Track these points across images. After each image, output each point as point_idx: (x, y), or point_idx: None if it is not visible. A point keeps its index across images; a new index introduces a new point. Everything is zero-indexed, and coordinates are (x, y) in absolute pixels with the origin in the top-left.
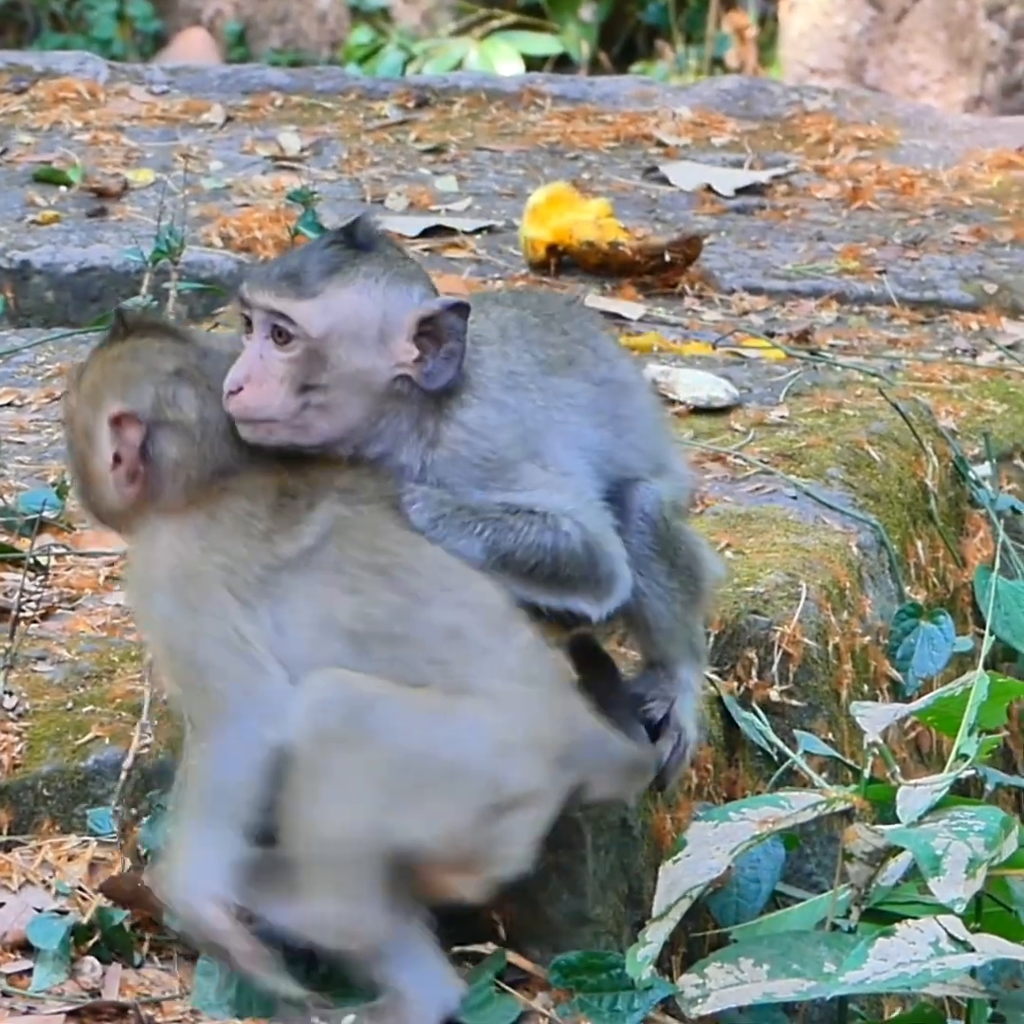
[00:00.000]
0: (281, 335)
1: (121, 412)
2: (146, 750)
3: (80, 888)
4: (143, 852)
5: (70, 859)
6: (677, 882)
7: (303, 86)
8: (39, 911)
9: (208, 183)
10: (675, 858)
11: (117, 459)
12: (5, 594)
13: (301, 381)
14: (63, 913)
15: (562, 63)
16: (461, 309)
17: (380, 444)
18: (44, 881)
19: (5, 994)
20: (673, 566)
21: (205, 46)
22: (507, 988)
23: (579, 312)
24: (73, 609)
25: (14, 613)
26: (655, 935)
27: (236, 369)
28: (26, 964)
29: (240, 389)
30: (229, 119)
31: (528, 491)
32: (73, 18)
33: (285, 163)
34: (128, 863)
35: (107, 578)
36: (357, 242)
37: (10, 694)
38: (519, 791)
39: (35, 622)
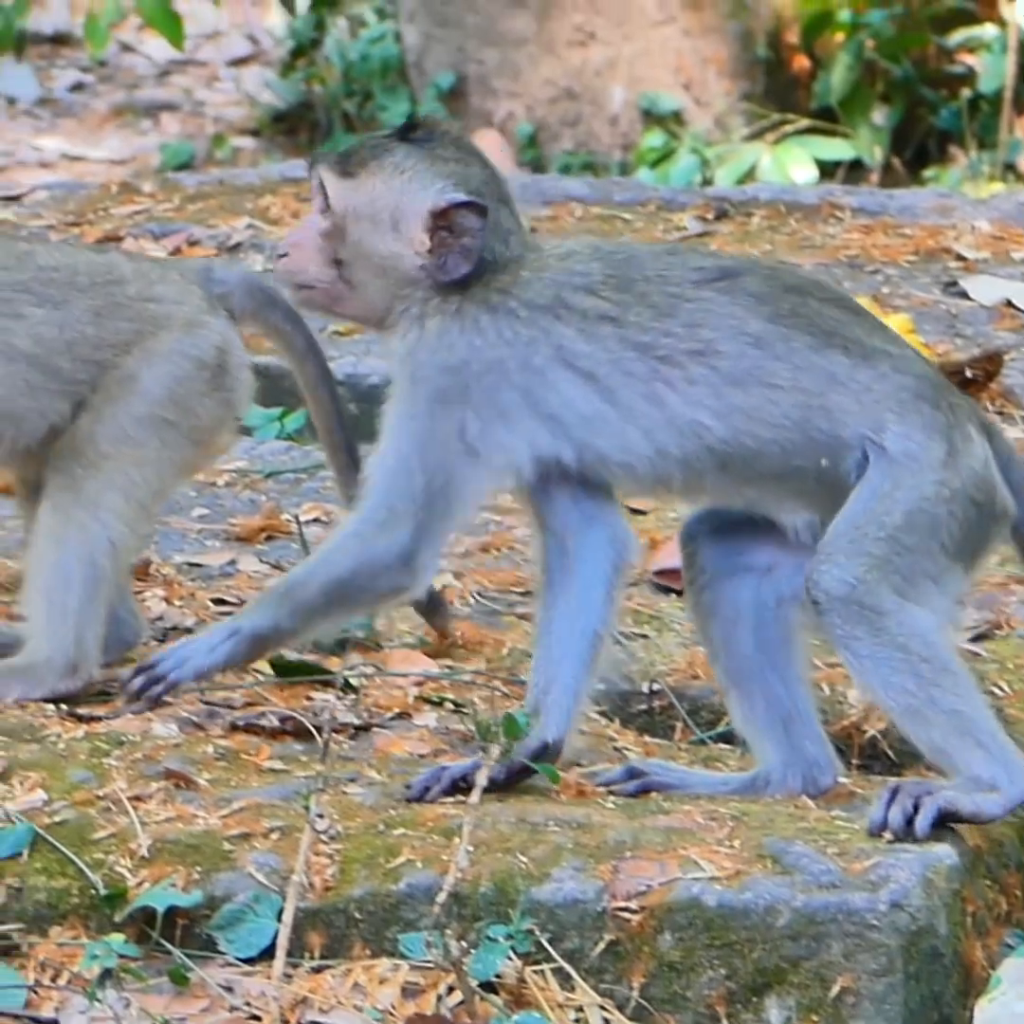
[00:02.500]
0: (322, 205)
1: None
2: (462, 875)
3: (391, 1012)
4: (475, 984)
5: (381, 983)
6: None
7: (602, 196)
8: None
9: None
10: (990, 996)
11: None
12: (315, 714)
13: (332, 254)
14: None
15: (855, 168)
16: (477, 208)
17: (402, 328)
18: (355, 1005)
19: None
20: None
21: (497, 148)
22: None
23: (674, 263)
24: (384, 729)
25: (325, 735)
26: None
27: (289, 234)
28: None
29: (286, 254)
30: (530, 230)
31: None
32: (366, 118)
33: None
34: (455, 993)
35: (417, 698)
36: (410, 138)
37: (322, 816)
38: None
39: (346, 743)
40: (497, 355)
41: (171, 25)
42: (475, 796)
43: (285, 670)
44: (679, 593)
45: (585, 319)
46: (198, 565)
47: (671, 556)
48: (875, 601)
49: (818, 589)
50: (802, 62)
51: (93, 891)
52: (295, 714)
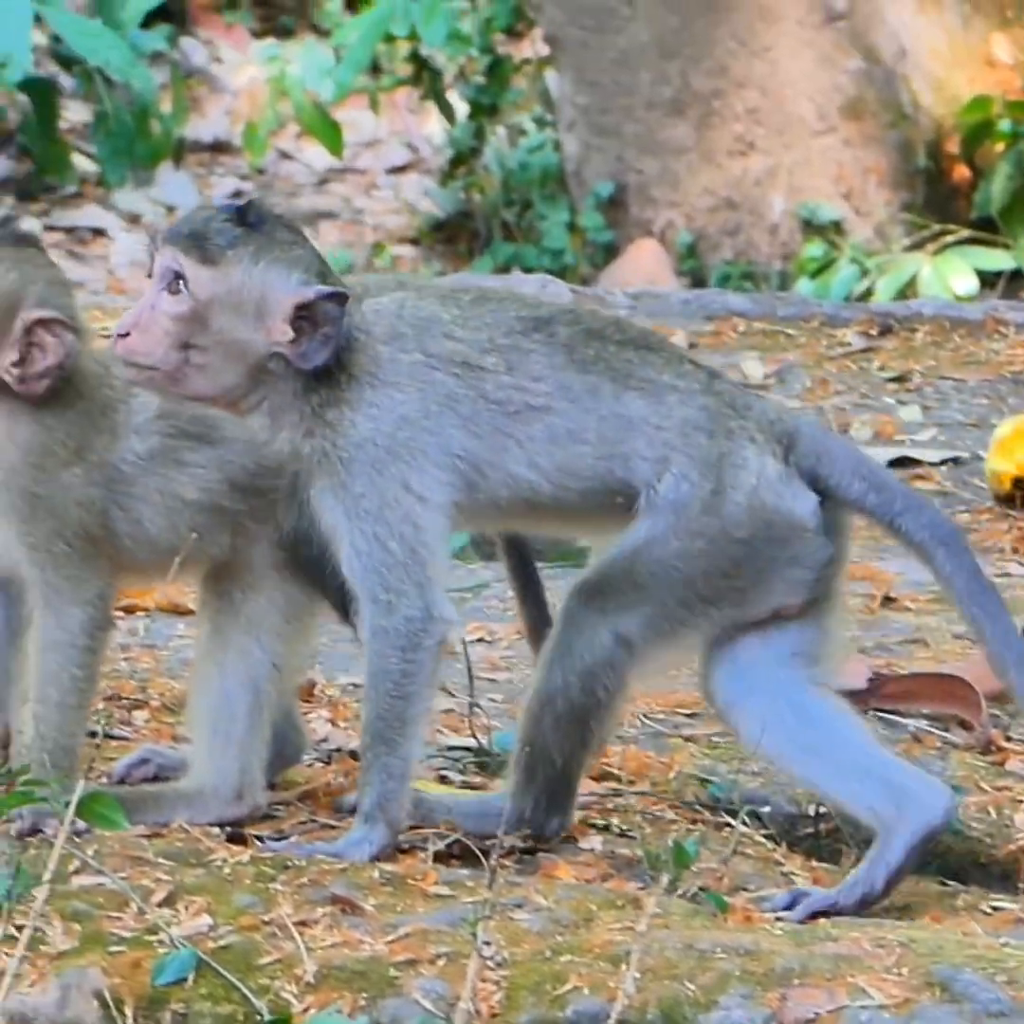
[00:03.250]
0: (175, 289)
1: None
2: (629, 1002)
3: None
4: None
5: None
6: None
7: (765, 311)
8: None
9: None
10: None
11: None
12: (482, 838)
13: (183, 338)
14: None
15: (1015, 278)
16: (338, 297)
17: (260, 415)
18: None
19: None
20: None
21: (657, 257)
22: None
23: (496, 309)
24: (550, 853)
25: (493, 860)
26: None
27: (129, 314)
28: None
29: (128, 334)
30: (692, 345)
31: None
32: (524, 228)
33: (749, 391)
34: None
35: (582, 821)
36: (247, 221)
37: (489, 943)
38: None
39: (512, 867)
40: (402, 412)
41: (330, 133)
42: (643, 924)
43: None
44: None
45: (454, 365)
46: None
47: (853, 677)
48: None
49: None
50: (962, 172)
51: (258, 1017)
52: (462, 838)
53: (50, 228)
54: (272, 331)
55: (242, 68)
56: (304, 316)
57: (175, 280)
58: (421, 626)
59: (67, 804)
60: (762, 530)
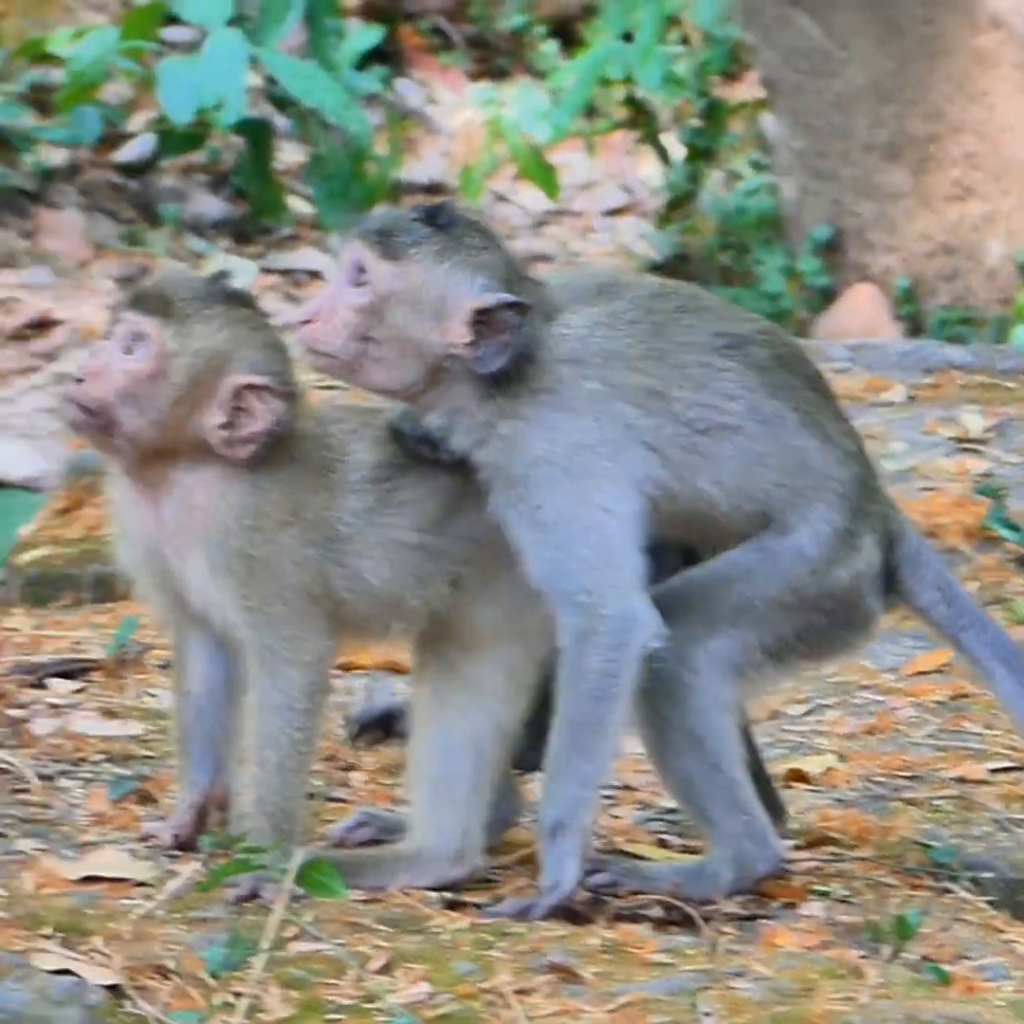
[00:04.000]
0: (357, 281)
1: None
2: None
3: None
4: None
5: None
6: None
7: (984, 364)
8: None
9: (891, 465)
10: None
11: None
12: (701, 904)
13: (362, 330)
14: None
15: None
16: (519, 307)
17: (438, 415)
18: None
19: None
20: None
21: (874, 302)
22: None
23: (693, 326)
24: (769, 920)
25: (711, 927)
26: None
27: (312, 301)
28: None
29: (310, 321)
30: (911, 398)
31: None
32: (741, 272)
33: (968, 445)
34: None
35: (803, 887)
36: (438, 222)
37: (708, 1014)
38: None
39: (731, 933)
40: (578, 439)
41: (546, 176)
42: (865, 995)
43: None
44: None
45: (637, 395)
46: None
47: None
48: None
49: None
50: None
51: None
52: (680, 905)
53: (266, 270)
54: (449, 332)
55: (458, 110)
56: (483, 321)
57: (358, 273)
58: (625, 627)
59: (285, 871)
60: (844, 613)
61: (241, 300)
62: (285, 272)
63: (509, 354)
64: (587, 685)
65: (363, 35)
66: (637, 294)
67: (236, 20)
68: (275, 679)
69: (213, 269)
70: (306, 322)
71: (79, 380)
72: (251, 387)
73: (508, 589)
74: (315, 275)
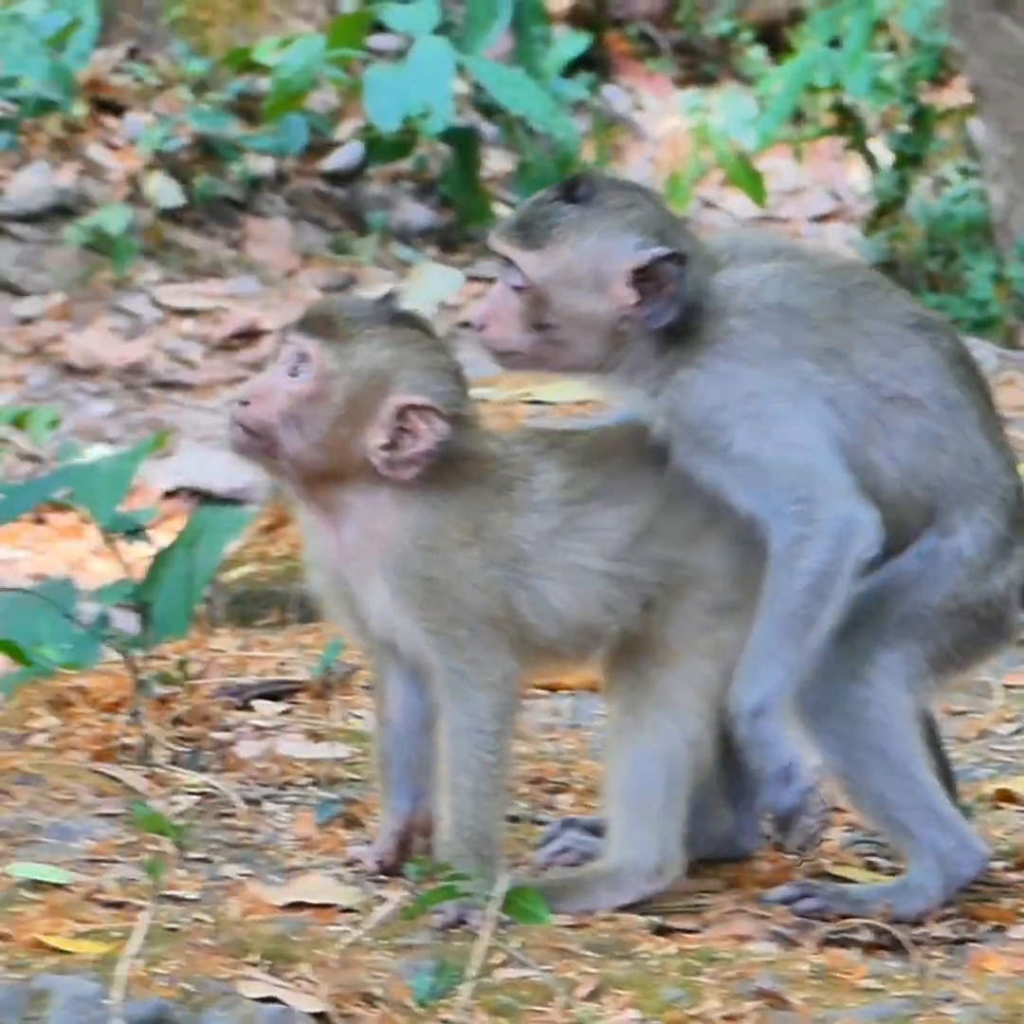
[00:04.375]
0: (511, 276)
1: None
2: None
3: None
4: None
5: None
6: None
7: None
8: None
9: None
10: None
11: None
12: (911, 927)
13: (533, 320)
14: None
15: None
16: (676, 257)
17: (617, 375)
18: None
19: None
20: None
21: None
22: None
23: (882, 300)
24: (979, 943)
25: (922, 952)
26: None
27: (481, 307)
28: None
29: (485, 326)
30: None
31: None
32: (949, 278)
33: None
34: None
35: (1013, 910)
36: (576, 197)
37: None
38: None
39: (941, 958)
40: (752, 389)
41: (753, 182)
42: None
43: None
44: None
45: (817, 354)
46: None
47: None
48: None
49: None
50: None
51: None
52: (890, 929)
53: (472, 278)
54: (615, 297)
55: (664, 117)
56: (644, 278)
57: (509, 268)
58: (845, 526)
59: (490, 897)
60: (995, 622)
61: (409, 321)
62: (491, 280)
63: (677, 305)
64: (803, 582)
65: (570, 42)
66: (819, 261)
67: (442, 28)
68: (463, 703)
69: (409, 280)
70: (482, 328)
71: (244, 403)
72: (413, 407)
73: (699, 605)
74: None
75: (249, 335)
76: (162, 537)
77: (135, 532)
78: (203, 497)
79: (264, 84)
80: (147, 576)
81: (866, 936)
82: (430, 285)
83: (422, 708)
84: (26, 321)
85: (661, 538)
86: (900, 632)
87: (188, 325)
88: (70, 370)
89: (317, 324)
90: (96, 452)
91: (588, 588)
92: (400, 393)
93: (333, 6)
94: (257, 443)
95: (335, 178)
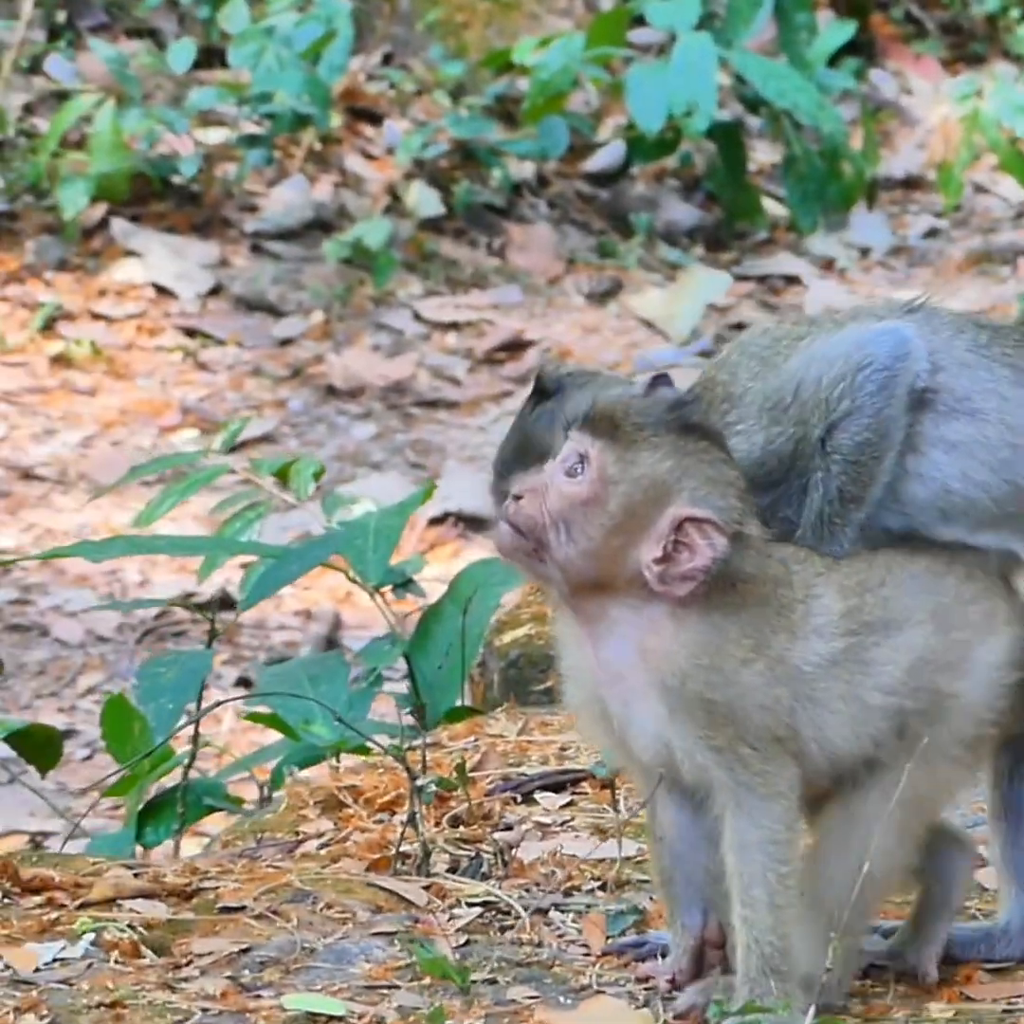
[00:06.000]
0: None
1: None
2: None
3: None
4: None
5: None
6: None
7: None
8: None
9: None
10: None
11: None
12: None
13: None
14: None
15: None
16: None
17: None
18: None
19: None
20: None
21: None
22: None
23: None
24: None
25: None
26: None
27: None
28: None
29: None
30: None
31: None
32: None
33: None
34: None
35: None
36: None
37: None
38: None
39: None
40: None
41: None
42: None
43: None
44: None
45: None
46: None
47: None
48: None
49: None
50: None
51: None
52: None
53: (741, 278)
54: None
55: (934, 102)
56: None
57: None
58: (896, 358)
59: None
60: None
61: (697, 431)
62: (761, 279)
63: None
64: (863, 420)
65: (835, 30)
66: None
67: (704, 20)
68: (753, 816)
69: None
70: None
71: (517, 497)
72: (693, 520)
73: (953, 734)
74: (792, 281)
75: (514, 347)
76: (429, 568)
77: (405, 585)
78: (470, 522)
79: (523, 86)
80: (416, 633)
81: None
82: (697, 289)
83: (695, 822)
84: (286, 342)
85: (931, 666)
86: None
87: (451, 339)
88: (331, 392)
89: (602, 424)
90: (361, 508)
91: (864, 722)
92: (680, 505)
93: (592, 2)
94: (524, 544)
95: (598, 179)
